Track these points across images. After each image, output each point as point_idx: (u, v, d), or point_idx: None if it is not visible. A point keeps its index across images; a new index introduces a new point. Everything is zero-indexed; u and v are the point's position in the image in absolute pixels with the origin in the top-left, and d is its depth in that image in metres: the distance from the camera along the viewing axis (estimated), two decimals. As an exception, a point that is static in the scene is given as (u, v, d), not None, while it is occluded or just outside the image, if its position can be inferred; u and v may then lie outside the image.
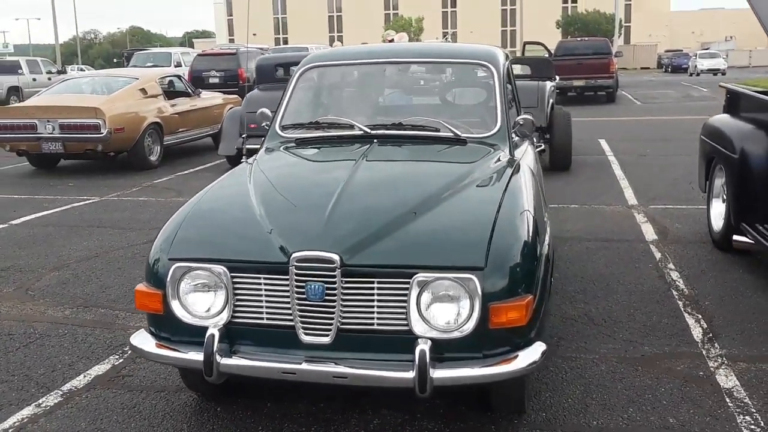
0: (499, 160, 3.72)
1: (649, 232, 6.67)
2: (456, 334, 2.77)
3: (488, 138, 3.88)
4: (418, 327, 2.77)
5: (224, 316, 2.89)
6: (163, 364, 3.47)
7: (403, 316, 2.77)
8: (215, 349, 2.81)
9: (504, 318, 2.76)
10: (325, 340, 2.81)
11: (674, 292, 5.04)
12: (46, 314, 4.86)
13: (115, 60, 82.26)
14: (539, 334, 3.01)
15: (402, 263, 2.78)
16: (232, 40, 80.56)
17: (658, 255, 5.94)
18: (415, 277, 2.74)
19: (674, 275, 5.41)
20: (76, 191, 9.51)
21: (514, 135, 4.01)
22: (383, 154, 3.77)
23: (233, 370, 2.87)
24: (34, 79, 28.54)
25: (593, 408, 3.45)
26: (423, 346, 2.71)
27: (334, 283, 2.76)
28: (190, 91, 12.85)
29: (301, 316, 2.81)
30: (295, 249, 2.80)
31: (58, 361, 4.06)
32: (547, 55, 21.73)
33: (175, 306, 2.94)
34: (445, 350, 2.79)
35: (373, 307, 2.79)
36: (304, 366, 2.80)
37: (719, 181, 6.12)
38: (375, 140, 3.86)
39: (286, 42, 72.68)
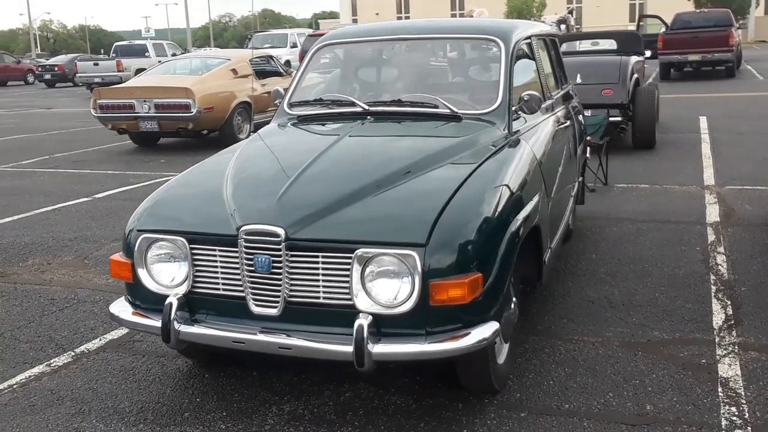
0: (490, 136, 3.66)
1: (712, 214, 6.34)
2: (398, 310, 2.78)
3: (485, 115, 3.82)
4: (361, 302, 2.80)
5: (185, 286, 3.02)
6: (132, 330, 3.63)
7: (347, 291, 2.81)
8: (172, 316, 2.95)
9: (445, 295, 2.75)
10: (273, 311, 2.89)
11: (712, 277, 4.80)
12: (92, 281, 5.19)
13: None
14: (498, 311, 2.97)
15: (344, 238, 2.82)
16: (355, 20, 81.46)
17: (711, 237, 5.65)
18: (356, 252, 2.77)
19: (720, 259, 5.14)
20: (165, 167, 9.99)
21: (520, 111, 3.91)
22: (372, 130, 3.80)
23: (191, 338, 3.00)
24: (160, 62, 30.00)
25: (572, 391, 3.37)
26: (361, 321, 2.74)
27: (280, 256, 2.83)
28: (282, 71, 13.17)
29: (251, 288, 2.90)
30: (245, 222, 2.89)
31: (82, 325, 4.34)
32: (662, 29, 20.82)
33: (143, 275, 3.10)
34: (387, 326, 2.80)
35: (318, 280, 2.84)
36: (251, 336, 2.89)
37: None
38: (369, 117, 3.89)
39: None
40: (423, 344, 2.79)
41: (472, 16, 10.69)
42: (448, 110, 3.82)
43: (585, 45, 11.23)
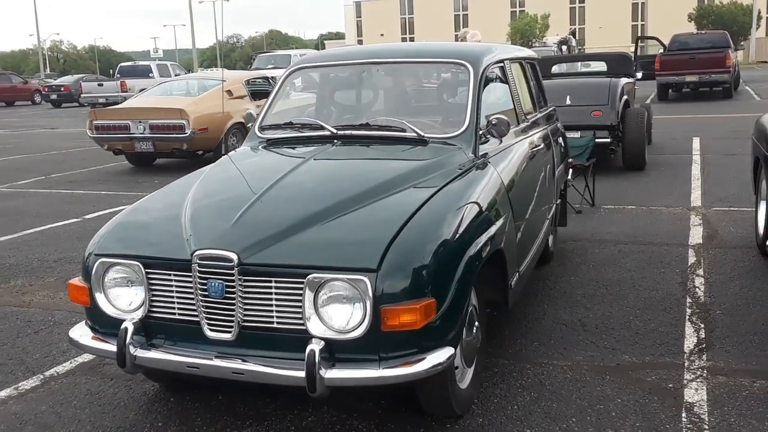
0: (454, 160, 3.67)
1: (695, 236, 6.33)
2: (350, 336, 2.78)
3: (451, 138, 3.83)
4: (314, 327, 2.80)
5: (142, 311, 3.03)
6: (90, 354, 3.61)
7: (300, 316, 2.81)
8: (128, 341, 2.95)
9: (397, 321, 2.74)
10: (228, 336, 2.89)
11: (688, 299, 4.78)
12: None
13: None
14: (455, 336, 2.96)
15: (296, 263, 2.82)
16: (360, 41, 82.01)
17: (692, 260, 5.63)
18: (308, 277, 2.77)
19: (698, 281, 5.12)
20: (159, 188, 10.01)
21: (489, 135, 3.92)
22: (337, 154, 3.82)
23: (146, 363, 3.00)
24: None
25: (535, 416, 3.35)
26: (313, 346, 2.74)
27: (233, 281, 2.84)
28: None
29: (205, 313, 2.91)
30: (198, 247, 2.90)
31: (55, 348, 4.35)
32: (660, 50, 20.90)
33: (100, 299, 3.10)
34: (341, 351, 2.80)
35: (272, 305, 2.85)
36: (205, 361, 2.90)
37: (765, 183, 5.73)
38: (335, 141, 3.91)
39: (412, 41, 73.13)
40: (376, 369, 2.79)
41: (465, 39, 10.72)
42: (415, 134, 3.84)
43: (576, 67, 11.26)
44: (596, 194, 7.94)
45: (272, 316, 2.85)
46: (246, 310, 2.86)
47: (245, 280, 2.84)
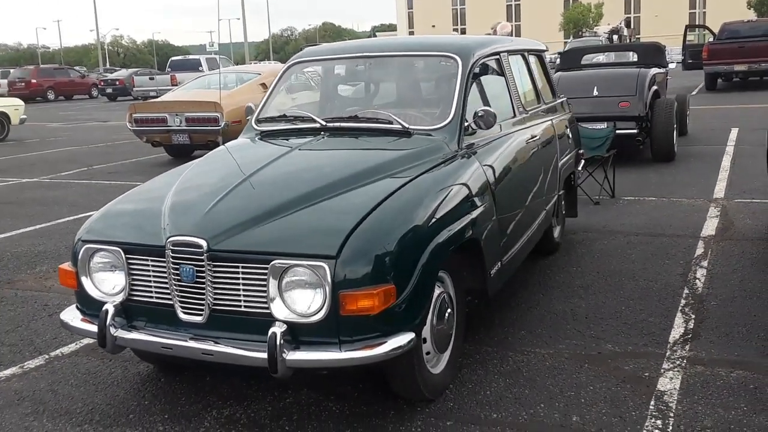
0: (435, 151, 3.76)
1: (709, 227, 6.28)
2: (312, 320, 2.90)
3: (435, 130, 3.91)
4: (278, 311, 2.93)
5: (123, 294, 3.20)
6: (78, 335, 3.77)
7: (265, 300, 2.95)
8: (108, 322, 3.13)
9: (355, 306, 2.86)
10: (199, 319, 3.05)
11: (686, 290, 4.78)
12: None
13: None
14: (419, 321, 3.07)
15: (261, 249, 2.96)
16: (411, 33, 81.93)
17: (699, 251, 5.61)
18: (272, 263, 2.91)
19: (700, 273, 5.11)
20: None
21: (476, 127, 3.99)
22: (323, 145, 3.94)
23: (126, 343, 3.18)
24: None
25: (505, 401, 3.43)
26: (275, 329, 2.88)
27: (203, 266, 2.99)
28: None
29: (179, 297, 3.07)
30: (172, 234, 3.06)
31: (64, 330, 4.56)
32: (709, 38, 20.47)
33: (86, 283, 3.29)
34: (303, 334, 2.93)
35: (239, 290, 2.99)
36: (178, 342, 3.06)
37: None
38: (323, 132, 4.03)
39: (464, 32, 72.75)
40: (337, 352, 2.91)
41: (495, 30, 10.74)
42: (400, 126, 3.94)
43: (608, 57, 11.16)
44: (619, 185, 7.92)
45: (240, 300, 3.00)
46: (216, 294, 3.01)
47: (214, 266, 2.99)
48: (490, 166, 3.99)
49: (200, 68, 30.66)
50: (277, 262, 2.90)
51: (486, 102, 4.37)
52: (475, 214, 3.59)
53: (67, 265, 3.40)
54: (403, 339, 2.97)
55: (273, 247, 2.95)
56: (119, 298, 3.20)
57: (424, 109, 4.29)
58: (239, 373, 3.74)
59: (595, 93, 9.27)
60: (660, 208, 7.18)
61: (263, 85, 12.15)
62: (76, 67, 48.66)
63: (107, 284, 3.26)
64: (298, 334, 2.93)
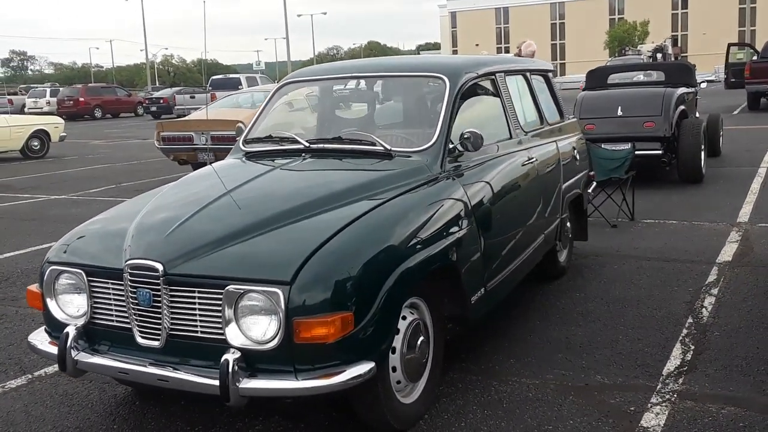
0: (413, 174, 3.66)
1: (726, 253, 6.05)
2: (266, 347, 2.82)
3: (417, 153, 3.82)
4: (233, 337, 2.86)
5: (85, 317, 3.17)
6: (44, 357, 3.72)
7: (221, 326, 2.88)
8: (68, 345, 3.09)
9: (309, 334, 2.77)
10: (156, 344, 2.99)
11: (689, 320, 4.59)
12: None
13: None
14: (377, 350, 2.96)
15: (216, 274, 2.89)
16: (455, 52, 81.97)
17: (711, 278, 5.40)
18: (227, 288, 2.84)
19: (708, 301, 4.91)
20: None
21: (463, 149, 3.89)
22: (301, 166, 3.88)
23: (86, 367, 3.13)
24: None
25: (478, 434, 3.30)
26: (227, 356, 2.80)
27: (159, 290, 2.94)
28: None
29: (136, 320, 3.01)
30: (130, 257, 3.01)
31: (53, 350, 4.57)
32: (753, 56, 20.00)
33: (51, 305, 3.26)
34: (258, 362, 2.85)
35: (195, 315, 2.92)
36: (134, 367, 3.00)
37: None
38: (304, 154, 3.97)
39: (507, 51, 72.52)
40: (292, 381, 2.82)
41: (520, 49, 10.61)
42: (382, 148, 3.85)
43: (635, 77, 10.94)
44: (640, 207, 7.72)
45: (197, 326, 2.93)
46: (173, 318, 2.95)
47: (171, 290, 2.93)
48: (476, 189, 3.88)
49: (240, 87, 30.96)
50: (231, 287, 2.83)
51: (478, 123, 4.26)
52: (451, 238, 3.48)
53: (34, 287, 3.38)
54: (362, 368, 2.87)
55: (228, 272, 2.88)
56: (82, 321, 3.17)
57: (410, 130, 4.20)
58: (213, 399, 3.67)
59: (619, 113, 9.08)
60: (679, 231, 6.95)
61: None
62: (115, 86, 49.58)
63: (71, 307, 3.23)
64: (254, 361, 2.85)
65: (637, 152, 8.48)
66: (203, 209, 3.26)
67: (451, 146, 3.88)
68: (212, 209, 3.28)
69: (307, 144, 4.05)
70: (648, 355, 4.09)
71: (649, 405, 3.50)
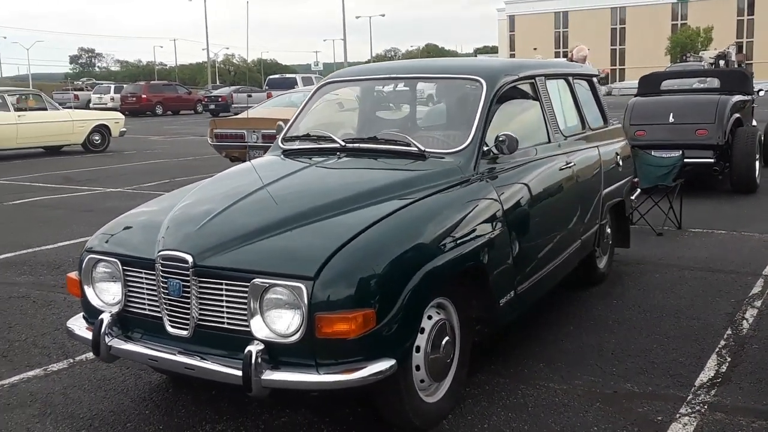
0: (445, 175, 3.68)
1: (774, 265, 5.91)
2: (289, 340, 2.88)
3: (450, 154, 3.84)
4: (258, 329, 2.92)
5: (120, 305, 3.27)
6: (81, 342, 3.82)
7: (246, 318, 2.95)
8: (103, 331, 3.20)
9: (330, 329, 2.81)
10: (185, 333, 3.07)
11: (728, 331, 4.50)
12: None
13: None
14: (399, 348, 2.99)
15: (243, 267, 2.96)
16: (512, 55, 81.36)
17: (756, 290, 5.28)
18: (253, 281, 2.91)
19: (749, 313, 4.81)
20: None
21: (498, 152, 3.90)
22: (335, 165, 3.93)
23: (119, 353, 3.23)
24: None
25: (500, 437, 3.30)
26: (251, 348, 2.86)
27: (188, 281, 3.02)
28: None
29: (167, 310, 3.11)
30: (163, 248, 3.10)
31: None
32: None
33: (89, 292, 3.38)
34: (282, 354, 2.90)
35: (223, 307, 3.00)
36: (163, 355, 3.09)
37: None
38: (339, 153, 4.03)
39: (565, 55, 71.73)
40: (313, 374, 2.87)
41: (572, 53, 10.52)
42: (416, 149, 3.88)
43: (689, 84, 10.73)
44: (689, 216, 7.59)
45: (224, 317, 3.00)
46: (201, 309, 3.03)
47: (200, 281, 3.01)
48: (510, 191, 3.88)
49: (296, 86, 31.33)
50: (257, 280, 2.90)
51: (515, 127, 4.26)
52: (481, 240, 3.49)
53: (74, 274, 3.50)
54: (383, 365, 2.90)
55: (255, 266, 2.95)
56: (116, 309, 3.27)
57: (446, 131, 4.22)
58: (239, 389, 3.74)
59: (671, 119, 8.93)
60: (727, 241, 6.81)
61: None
62: (176, 84, 50.52)
63: (107, 294, 3.34)
64: (277, 354, 2.91)
65: (688, 160, 8.34)
66: (236, 204, 3.34)
67: (485, 149, 3.89)
68: (245, 204, 3.35)
69: (343, 143, 4.10)
70: (681, 365, 4.03)
71: (678, 415, 3.46)
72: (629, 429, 3.34)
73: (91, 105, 40.59)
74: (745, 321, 4.66)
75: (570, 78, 5.13)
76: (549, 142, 4.54)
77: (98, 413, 3.60)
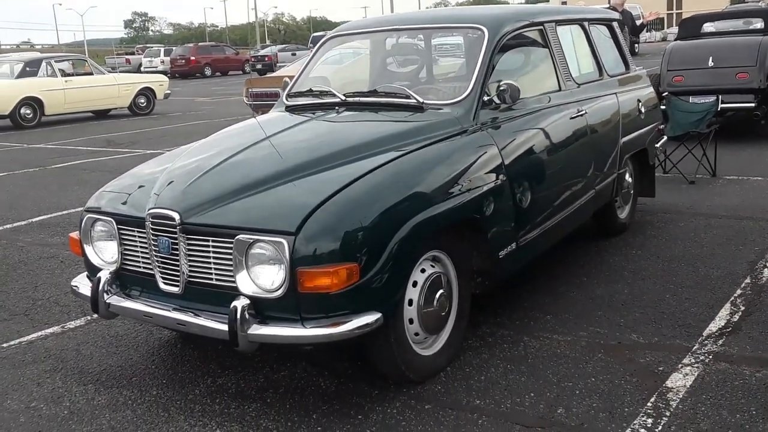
0: (441, 127, 3.62)
1: (807, 212, 5.71)
2: (273, 295, 2.90)
3: (448, 105, 3.77)
4: (243, 285, 2.94)
5: (116, 263, 3.34)
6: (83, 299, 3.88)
7: (232, 275, 2.98)
8: (101, 289, 3.27)
9: (312, 284, 2.82)
10: (176, 290, 3.12)
11: (747, 280, 4.38)
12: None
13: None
14: (386, 301, 2.99)
15: (227, 224, 2.97)
16: (564, 2, 79.14)
17: (783, 237, 5.12)
18: (237, 237, 2.93)
19: (772, 261, 4.67)
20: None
21: (498, 100, 3.82)
22: (333, 119, 3.91)
23: (117, 310, 3.31)
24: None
25: (496, 389, 3.28)
26: (236, 303, 2.89)
27: (176, 239, 3.06)
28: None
29: (158, 267, 3.16)
30: (153, 206, 3.14)
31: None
32: None
33: (89, 251, 3.45)
34: (268, 309, 2.93)
35: (210, 263, 3.03)
36: (157, 311, 3.15)
37: None
38: (337, 107, 4.00)
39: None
40: (299, 328, 2.90)
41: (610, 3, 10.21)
42: (414, 101, 3.83)
43: (734, 25, 10.29)
44: (725, 163, 7.39)
45: (212, 274, 3.04)
46: (190, 266, 3.07)
47: (188, 239, 3.05)
48: (511, 141, 3.80)
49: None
50: (241, 236, 2.92)
51: (522, 76, 4.17)
52: (477, 192, 3.44)
53: (75, 234, 3.58)
54: (369, 318, 2.91)
55: (239, 222, 2.96)
56: (114, 267, 3.34)
57: (449, 83, 4.16)
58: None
59: (711, 63, 8.62)
60: (761, 189, 6.60)
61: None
62: (224, 45, 50.72)
63: (107, 253, 3.41)
64: (263, 309, 2.94)
65: (728, 105, 8.08)
66: (227, 160, 3.35)
67: (486, 98, 3.81)
68: (235, 160, 3.36)
69: (343, 97, 4.07)
70: (692, 315, 3.94)
71: (680, 366, 3.39)
72: (627, 380, 3.29)
73: (142, 68, 41.17)
74: (766, 270, 4.53)
75: (586, 23, 4.97)
76: (560, 90, 4.43)
77: (107, 368, 3.71)
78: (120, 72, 25.71)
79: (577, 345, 3.67)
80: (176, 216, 3.04)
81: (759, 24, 9.53)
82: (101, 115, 18.35)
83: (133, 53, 55.79)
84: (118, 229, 3.30)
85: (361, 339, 2.97)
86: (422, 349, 3.35)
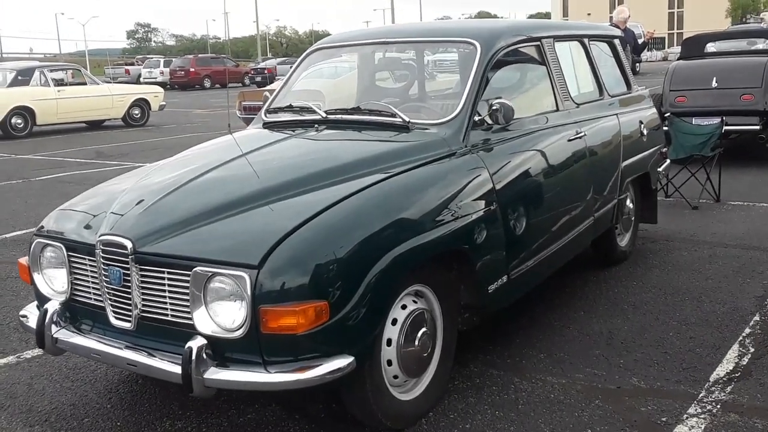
0: (426, 148, 3.33)
1: (817, 242, 5.42)
2: (234, 335, 2.59)
3: (436, 125, 3.48)
4: (201, 323, 2.64)
5: (66, 294, 3.03)
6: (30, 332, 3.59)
7: (189, 311, 2.67)
8: (47, 322, 2.96)
9: (276, 324, 2.52)
10: (128, 325, 2.81)
11: (756, 318, 4.08)
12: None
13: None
14: (360, 342, 2.69)
15: (184, 255, 2.67)
16: (566, 20, 79.35)
17: (793, 270, 4.82)
18: (194, 269, 2.62)
19: (783, 297, 4.36)
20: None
21: (490, 120, 3.53)
22: (311, 138, 3.62)
23: (65, 346, 2.99)
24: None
25: (482, 439, 2.98)
26: (191, 343, 2.59)
27: (128, 269, 2.75)
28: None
29: (110, 300, 2.85)
30: (103, 232, 2.83)
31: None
32: None
33: (38, 279, 3.14)
34: (225, 350, 2.62)
35: (165, 297, 2.73)
36: (107, 349, 2.84)
37: None
38: (317, 125, 3.71)
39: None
40: (262, 373, 2.59)
41: (612, 21, 9.98)
42: (400, 120, 3.54)
43: (737, 46, 10.03)
44: (729, 188, 7.10)
45: (167, 309, 2.73)
46: (144, 300, 2.76)
47: (141, 269, 2.74)
48: (504, 166, 3.51)
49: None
50: (199, 269, 2.61)
51: (517, 94, 3.89)
52: (463, 221, 3.14)
53: (24, 260, 3.27)
54: (340, 362, 2.60)
55: (196, 253, 2.66)
56: (63, 297, 3.03)
57: (437, 101, 3.87)
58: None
59: (714, 84, 8.35)
60: (766, 216, 6.31)
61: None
62: (224, 57, 50.62)
63: (57, 282, 3.10)
64: (223, 350, 2.63)
65: (733, 127, 7.81)
66: (190, 182, 3.05)
67: (478, 118, 3.52)
68: (200, 182, 3.06)
69: (324, 115, 3.78)
70: (698, 356, 3.64)
71: (685, 416, 3.08)
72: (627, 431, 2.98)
73: (141, 79, 40.91)
74: (776, 306, 4.23)
75: (585, 40, 4.69)
76: (557, 110, 4.14)
77: (58, 406, 3.39)
78: (119, 82, 25.48)
79: (572, 389, 3.36)
80: (128, 244, 2.73)
81: (762, 44, 9.28)
82: (95, 125, 18.08)
83: (132, 64, 55.63)
84: (68, 255, 2.99)
85: (333, 384, 2.66)
86: (402, 394, 3.04)
